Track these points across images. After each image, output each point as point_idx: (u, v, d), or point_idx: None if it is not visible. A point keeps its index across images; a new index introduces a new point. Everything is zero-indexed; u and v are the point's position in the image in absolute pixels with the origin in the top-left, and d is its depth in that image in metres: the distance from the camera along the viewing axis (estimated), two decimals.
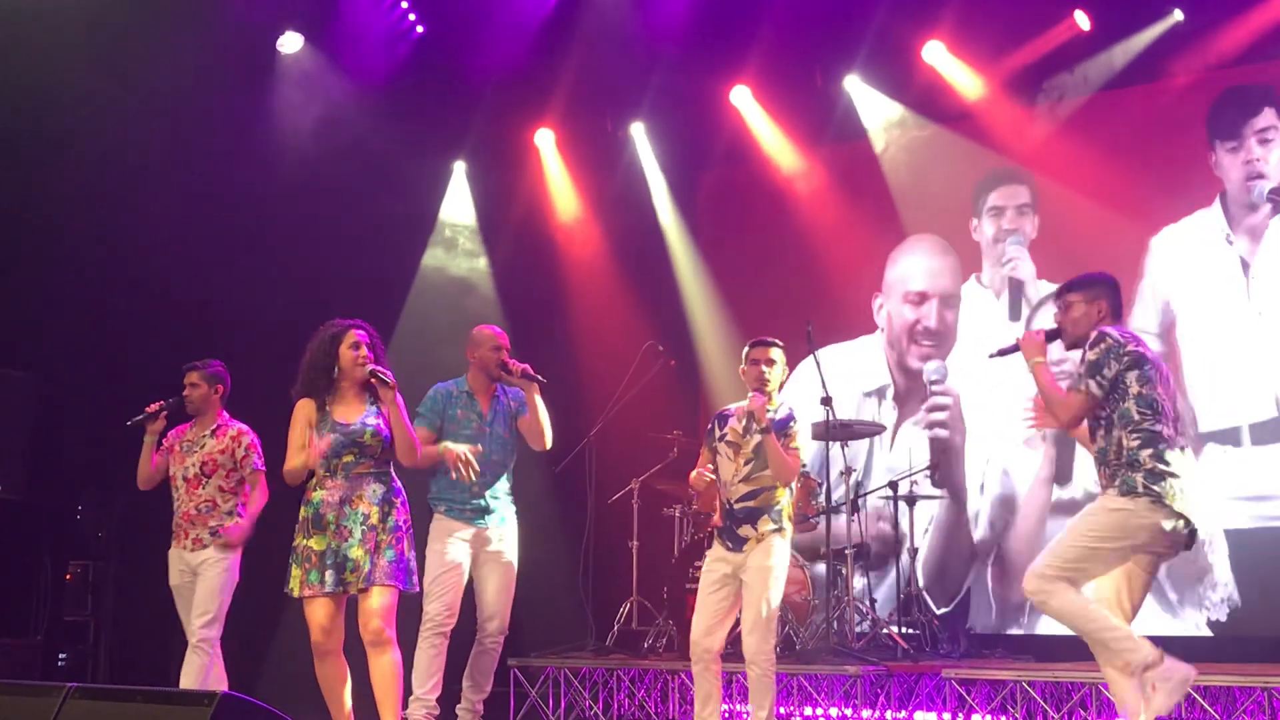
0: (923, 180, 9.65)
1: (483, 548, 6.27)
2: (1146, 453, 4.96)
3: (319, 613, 5.47)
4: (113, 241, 8.60)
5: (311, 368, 5.63)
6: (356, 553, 5.42)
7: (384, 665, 5.42)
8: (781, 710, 7.29)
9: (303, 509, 5.55)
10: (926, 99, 9.55)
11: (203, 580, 6.45)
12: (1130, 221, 8.80)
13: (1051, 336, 5.32)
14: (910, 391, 9.62)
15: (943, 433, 9.31)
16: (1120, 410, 5.02)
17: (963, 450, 9.31)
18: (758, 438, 5.92)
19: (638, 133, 10.48)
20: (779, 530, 5.93)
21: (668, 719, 7.63)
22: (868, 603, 8.38)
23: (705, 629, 5.94)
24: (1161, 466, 4.95)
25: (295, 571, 5.49)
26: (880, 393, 9.73)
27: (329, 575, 5.42)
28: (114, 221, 8.58)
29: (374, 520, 5.48)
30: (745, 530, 5.94)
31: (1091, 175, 8.89)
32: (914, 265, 9.77)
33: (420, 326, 9.45)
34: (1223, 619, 8.26)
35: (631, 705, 7.88)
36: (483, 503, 6.27)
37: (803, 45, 9.45)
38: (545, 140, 10.53)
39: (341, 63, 9.49)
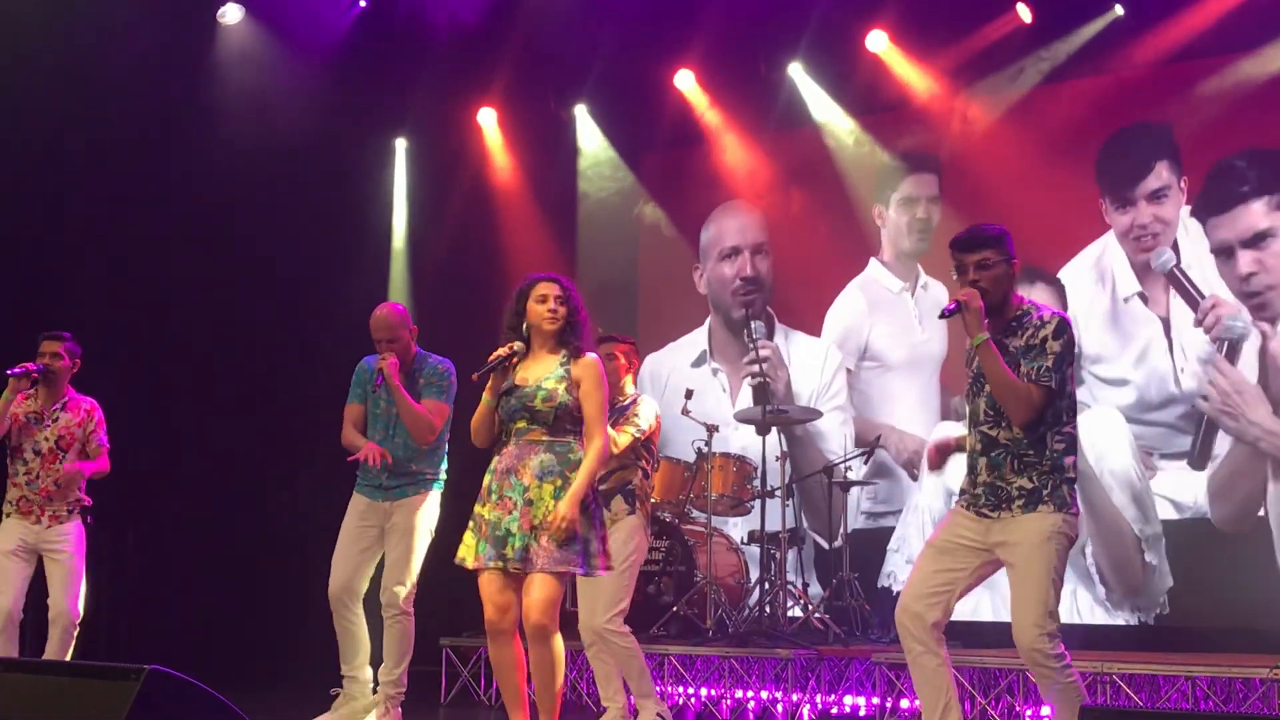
0: (866, 168, 9.67)
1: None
2: (1070, 459, 4.57)
3: (486, 587, 5.07)
4: (49, 217, 8.47)
5: (506, 328, 5.20)
6: (515, 528, 4.99)
7: (538, 659, 5.07)
8: (713, 692, 7.37)
9: (485, 476, 5.16)
10: (870, 88, 9.55)
11: (69, 559, 6.43)
12: (1075, 218, 8.85)
13: (951, 313, 4.63)
14: (729, 346, 9.96)
15: (764, 379, 9.12)
16: (1055, 408, 4.56)
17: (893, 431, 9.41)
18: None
19: (581, 114, 10.45)
20: (631, 511, 6.24)
21: (587, 698, 7.64)
22: (800, 586, 8.45)
23: (590, 611, 6.21)
24: (1074, 475, 4.60)
25: (468, 539, 5.10)
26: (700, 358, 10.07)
27: (489, 548, 5.02)
28: (47, 194, 8.45)
29: (532, 495, 5.00)
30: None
31: (1031, 170, 8.91)
32: (723, 226, 10.21)
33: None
34: (1156, 611, 8.32)
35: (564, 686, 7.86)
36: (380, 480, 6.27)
37: (748, 30, 9.45)
38: (488, 119, 10.48)
39: (283, 35, 9.39)
